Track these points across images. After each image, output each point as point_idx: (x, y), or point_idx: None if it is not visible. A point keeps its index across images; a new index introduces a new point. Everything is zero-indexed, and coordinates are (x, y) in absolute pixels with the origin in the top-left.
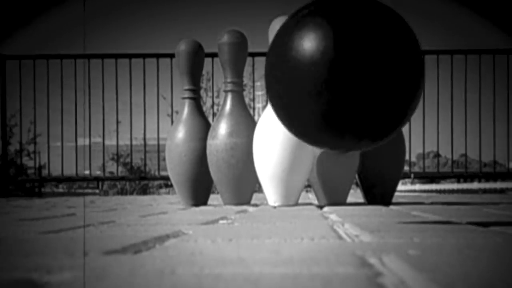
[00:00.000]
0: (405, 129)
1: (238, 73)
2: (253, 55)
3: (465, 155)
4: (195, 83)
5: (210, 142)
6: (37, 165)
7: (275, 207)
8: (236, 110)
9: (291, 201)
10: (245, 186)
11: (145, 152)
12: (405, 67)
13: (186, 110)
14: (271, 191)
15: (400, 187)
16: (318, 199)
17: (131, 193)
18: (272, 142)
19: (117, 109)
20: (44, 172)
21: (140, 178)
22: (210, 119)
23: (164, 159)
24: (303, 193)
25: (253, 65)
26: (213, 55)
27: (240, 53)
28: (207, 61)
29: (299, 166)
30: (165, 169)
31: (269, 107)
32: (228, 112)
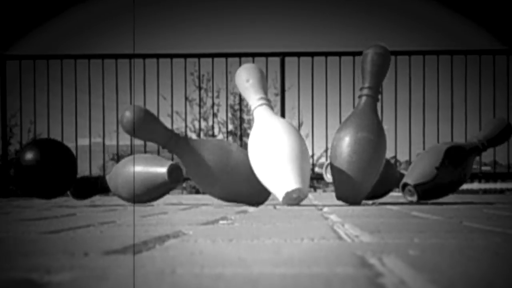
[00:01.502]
0: (405, 130)
1: (378, 82)
2: (253, 55)
3: None
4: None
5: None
6: None
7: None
8: (370, 113)
9: (306, 185)
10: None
11: (145, 152)
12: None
13: None
14: (285, 177)
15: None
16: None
17: None
18: (269, 139)
19: (117, 109)
20: None
21: None
22: (210, 119)
23: None
24: None
25: None
26: (213, 55)
27: (384, 64)
28: (207, 61)
29: (302, 153)
30: None
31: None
32: (359, 113)
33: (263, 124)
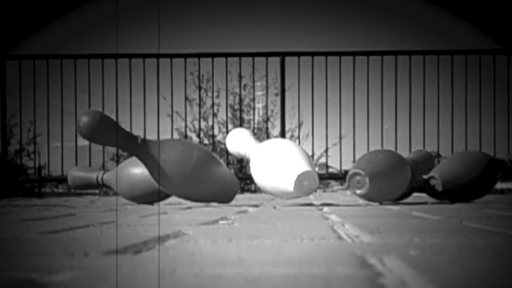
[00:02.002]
0: (404, 130)
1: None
2: (253, 55)
3: None
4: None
5: None
6: (37, 165)
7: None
8: None
9: (315, 173)
10: None
11: None
12: None
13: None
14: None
15: None
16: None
17: None
18: (273, 143)
19: (117, 109)
20: (44, 172)
21: None
22: (210, 119)
23: None
24: None
25: (253, 65)
26: (213, 55)
27: None
28: (207, 61)
29: (306, 152)
30: None
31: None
32: None
33: (264, 142)
